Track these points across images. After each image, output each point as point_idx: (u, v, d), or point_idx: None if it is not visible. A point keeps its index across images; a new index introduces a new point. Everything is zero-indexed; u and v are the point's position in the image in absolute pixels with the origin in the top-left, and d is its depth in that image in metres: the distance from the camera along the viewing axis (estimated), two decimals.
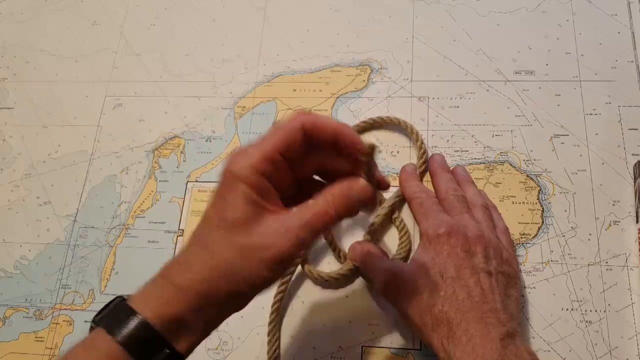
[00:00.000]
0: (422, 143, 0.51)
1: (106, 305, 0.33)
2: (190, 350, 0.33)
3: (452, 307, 0.39)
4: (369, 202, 0.36)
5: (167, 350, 0.31)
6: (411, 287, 0.41)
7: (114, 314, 0.32)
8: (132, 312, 0.31)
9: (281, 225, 0.33)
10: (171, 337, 0.31)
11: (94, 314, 0.42)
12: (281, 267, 0.33)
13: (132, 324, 0.31)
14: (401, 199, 0.49)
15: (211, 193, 0.35)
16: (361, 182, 0.35)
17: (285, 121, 0.35)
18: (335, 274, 0.47)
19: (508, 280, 0.42)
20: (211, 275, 0.32)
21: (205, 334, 0.34)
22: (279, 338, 0.46)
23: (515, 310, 0.41)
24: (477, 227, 0.43)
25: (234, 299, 0.34)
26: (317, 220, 0.33)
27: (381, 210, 0.48)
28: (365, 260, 0.46)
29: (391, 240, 0.49)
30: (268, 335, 0.46)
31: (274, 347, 0.46)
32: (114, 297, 0.33)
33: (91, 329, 0.33)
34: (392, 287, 0.43)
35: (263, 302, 0.47)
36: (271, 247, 0.32)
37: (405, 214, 0.49)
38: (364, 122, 0.53)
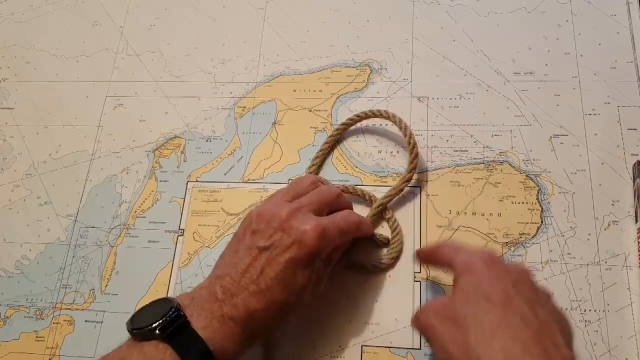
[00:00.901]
0: (410, 137, 0.50)
1: (166, 316, 0.36)
2: None
3: (506, 336, 0.33)
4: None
5: None
6: (449, 311, 0.36)
7: (182, 337, 0.36)
8: (199, 341, 0.36)
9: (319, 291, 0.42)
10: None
11: (95, 313, 0.42)
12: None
13: (198, 350, 0.35)
14: (391, 198, 0.49)
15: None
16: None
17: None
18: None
19: (562, 319, 0.37)
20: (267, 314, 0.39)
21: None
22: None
23: (574, 352, 0.34)
24: (517, 264, 0.42)
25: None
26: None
27: (372, 210, 0.49)
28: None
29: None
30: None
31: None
32: (170, 307, 0.37)
33: (150, 336, 0.36)
34: (426, 315, 0.38)
35: None
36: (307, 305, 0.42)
37: (399, 213, 0.50)
38: (357, 115, 0.53)
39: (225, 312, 0.37)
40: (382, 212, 0.49)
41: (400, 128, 0.51)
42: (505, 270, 0.37)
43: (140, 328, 0.36)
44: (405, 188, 0.50)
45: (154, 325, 0.36)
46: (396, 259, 0.48)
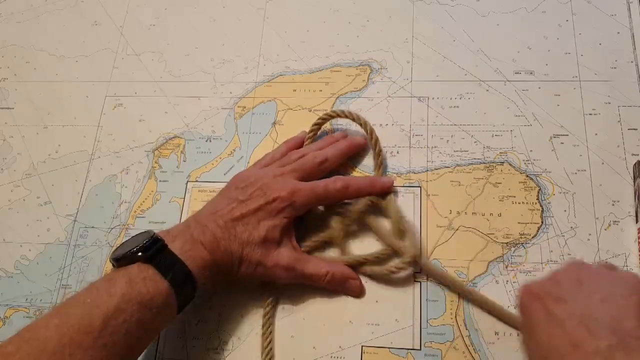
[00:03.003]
0: (376, 141, 0.52)
1: (146, 244, 0.41)
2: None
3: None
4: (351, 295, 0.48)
5: (193, 285, 0.42)
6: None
7: (162, 258, 0.40)
8: (177, 260, 0.41)
9: (290, 261, 0.45)
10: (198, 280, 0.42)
11: None
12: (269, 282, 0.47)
13: (178, 269, 0.41)
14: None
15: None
16: (358, 284, 0.47)
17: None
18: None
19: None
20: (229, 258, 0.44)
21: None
22: (272, 332, 0.47)
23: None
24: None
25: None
26: (304, 278, 0.46)
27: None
28: None
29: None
30: (262, 334, 0.47)
31: (267, 341, 0.46)
32: (148, 235, 0.41)
33: (131, 259, 0.40)
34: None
35: (263, 303, 0.48)
36: (275, 274, 0.46)
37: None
38: (321, 118, 0.53)
39: (195, 236, 0.43)
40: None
41: (366, 131, 0.52)
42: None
43: (122, 254, 0.40)
44: (405, 187, 0.50)
45: (134, 249, 0.40)
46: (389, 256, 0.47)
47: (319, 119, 0.53)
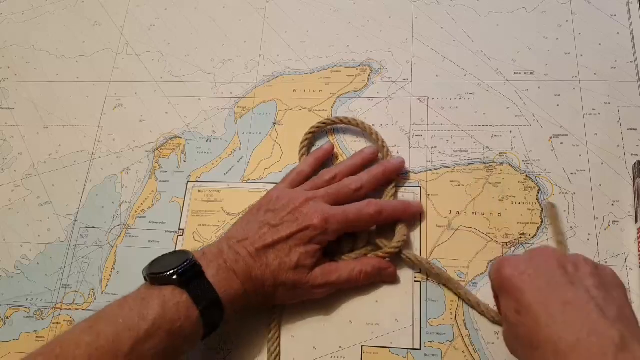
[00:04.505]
0: (383, 142, 0.52)
1: (183, 265, 0.41)
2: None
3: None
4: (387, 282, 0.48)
5: (221, 316, 0.41)
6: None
7: (197, 285, 0.40)
8: (211, 289, 0.40)
9: (325, 277, 0.45)
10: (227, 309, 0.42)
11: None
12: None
13: (211, 299, 0.40)
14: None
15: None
16: (392, 270, 0.47)
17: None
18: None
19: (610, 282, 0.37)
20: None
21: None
22: (279, 337, 0.47)
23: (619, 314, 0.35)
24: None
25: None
26: (341, 284, 0.46)
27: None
28: None
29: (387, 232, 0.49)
30: (268, 335, 0.46)
31: (274, 346, 0.46)
32: (187, 257, 0.41)
33: (167, 280, 0.40)
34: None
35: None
36: (314, 293, 0.46)
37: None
38: (323, 122, 0.53)
39: (229, 265, 0.42)
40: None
41: (371, 136, 0.52)
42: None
43: (159, 273, 0.40)
44: (405, 187, 0.51)
45: (171, 272, 0.40)
46: (400, 250, 0.47)
47: (312, 127, 0.53)
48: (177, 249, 0.44)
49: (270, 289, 0.44)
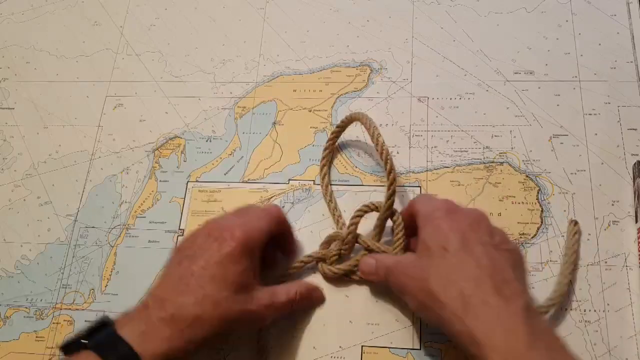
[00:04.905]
0: (383, 145, 0.48)
1: (94, 329, 0.38)
2: None
3: (461, 278, 0.37)
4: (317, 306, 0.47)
5: None
6: (414, 269, 0.40)
7: (107, 342, 0.36)
8: (121, 342, 0.36)
9: (262, 298, 0.42)
10: None
11: (95, 313, 0.42)
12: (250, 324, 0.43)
13: (121, 352, 0.36)
14: (392, 202, 0.48)
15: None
16: (320, 293, 0.47)
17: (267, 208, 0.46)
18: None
19: (515, 258, 0.40)
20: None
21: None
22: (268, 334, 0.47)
23: (526, 286, 0.39)
24: (475, 209, 0.43)
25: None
26: (282, 307, 0.43)
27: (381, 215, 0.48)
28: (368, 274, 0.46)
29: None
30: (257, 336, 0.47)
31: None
32: (100, 319, 0.39)
33: (77, 347, 0.37)
34: (396, 276, 0.42)
35: None
36: (254, 314, 0.41)
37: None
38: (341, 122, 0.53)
39: (153, 315, 0.38)
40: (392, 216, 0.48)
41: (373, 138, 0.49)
42: (463, 217, 0.40)
43: (66, 342, 0.37)
44: (405, 187, 0.50)
45: (79, 335, 0.37)
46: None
47: (337, 127, 0.52)
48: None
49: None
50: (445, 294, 0.37)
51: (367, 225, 0.48)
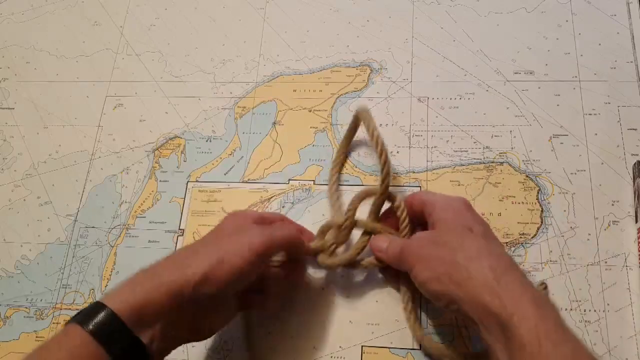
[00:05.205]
0: (382, 147, 0.47)
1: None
2: (154, 346, 0.36)
3: (490, 253, 0.38)
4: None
5: (131, 339, 0.35)
6: (435, 243, 0.41)
7: (87, 310, 0.35)
8: (101, 306, 0.35)
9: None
10: (134, 327, 0.35)
11: None
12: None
13: (100, 315, 0.35)
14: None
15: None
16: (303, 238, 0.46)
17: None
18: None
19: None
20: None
21: (164, 338, 0.37)
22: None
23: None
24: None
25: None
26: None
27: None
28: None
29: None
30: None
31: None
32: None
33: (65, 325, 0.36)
34: (414, 249, 0.42)
35: None
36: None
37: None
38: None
39: (136, 279, 0.37)
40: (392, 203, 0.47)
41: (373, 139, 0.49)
42: (479, 215, 0.43)
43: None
44: (405, 187, 0.51)
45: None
46: None
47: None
48: None
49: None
50: (474, 267, 0.38)
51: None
